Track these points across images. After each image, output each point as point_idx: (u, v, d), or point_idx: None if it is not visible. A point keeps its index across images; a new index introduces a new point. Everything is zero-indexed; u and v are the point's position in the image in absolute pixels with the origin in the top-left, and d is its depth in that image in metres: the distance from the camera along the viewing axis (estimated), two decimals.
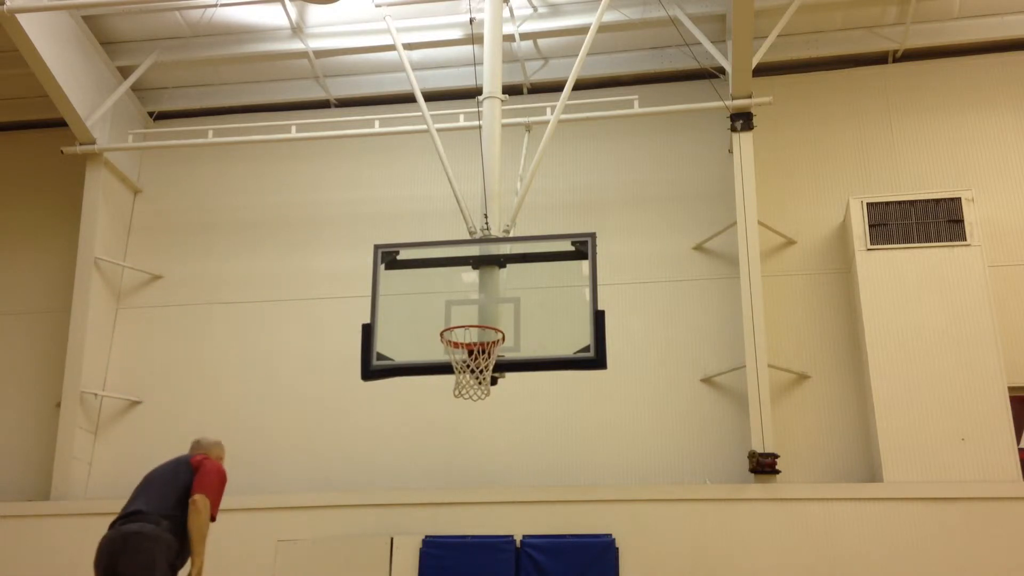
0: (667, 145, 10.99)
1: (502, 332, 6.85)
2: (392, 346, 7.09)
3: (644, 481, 9.72)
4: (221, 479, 6.25)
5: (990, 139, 10.45)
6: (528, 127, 10.21)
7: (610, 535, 9.07)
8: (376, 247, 7.45)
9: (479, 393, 6.84)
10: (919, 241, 9.46)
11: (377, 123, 10.71)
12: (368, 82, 11.70)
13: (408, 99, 10.77)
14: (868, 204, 9.69)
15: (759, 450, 9.17)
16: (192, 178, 11.88)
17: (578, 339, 6.86)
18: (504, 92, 8.23)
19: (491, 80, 8.11)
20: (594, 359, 6.82)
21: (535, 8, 10.76)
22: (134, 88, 11.79)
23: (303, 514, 9.63)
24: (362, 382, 7.23)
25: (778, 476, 9.20)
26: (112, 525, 5.95)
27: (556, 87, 9.91)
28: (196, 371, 10.99)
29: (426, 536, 9.26)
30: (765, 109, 10.22)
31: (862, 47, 10.84)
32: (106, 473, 10.61)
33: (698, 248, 10.53)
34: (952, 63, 10.81)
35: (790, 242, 10.39)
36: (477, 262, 7.35)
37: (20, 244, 11.86)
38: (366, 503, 9.62)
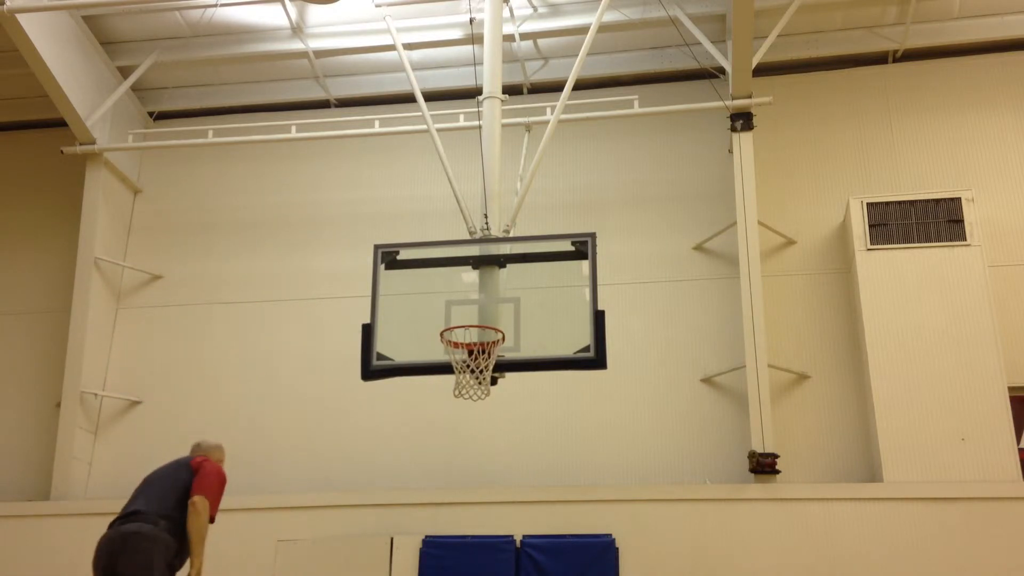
0: (667, 145, 10.99)
1: (502, 332, 6.85)
2: (392, 346, 7.09)
3: (644, 481, 9.72)
4: (221, 481, 6.26)
5: (990, 139, 10.45)
6: (528, 127, 10.21)
7: (610, 535, 9.07)
8: (376, 247, 7.45)
9: (479, 393, 6.84)
10: (919, 241, 9.46)
11: (377, 123, 10.71)
12: (368, 82, 11.70)
13: (408, 99, 10.77)
14: (868, 204, 9.69)
15: (759, 450, 9.18)
16: (192, 178, 11.88)
17: (578, 339, 6.87)
18: (504, 92, 8.23)
19: (491, 80, 8.11)
20: (594, 359, 6.82)
21: (535, 8, 10.76)
22: (134, 88, 11.79)
23: (303, 514, 9.63)
24: (362, 382, 7.23)
25: (778, 476, 9.20)
26: (111, 525, 5.96)
27: (556, 87, 9.91)
28: (196, 371, 10.99)
29: (426, 536, 9.26)
30: (765, 109, 10.22)
31: (862, 47, 10.84)
32: (106, 473, 10.61)
33: (698, 248, 10.53)
34: (952, 63, 10.81)
35: (790, 242, 10.39)
36: (477, 262, 7.35)
37: (20, 244, 11.86)
38: (366, 503, 9.62)
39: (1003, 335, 9.21)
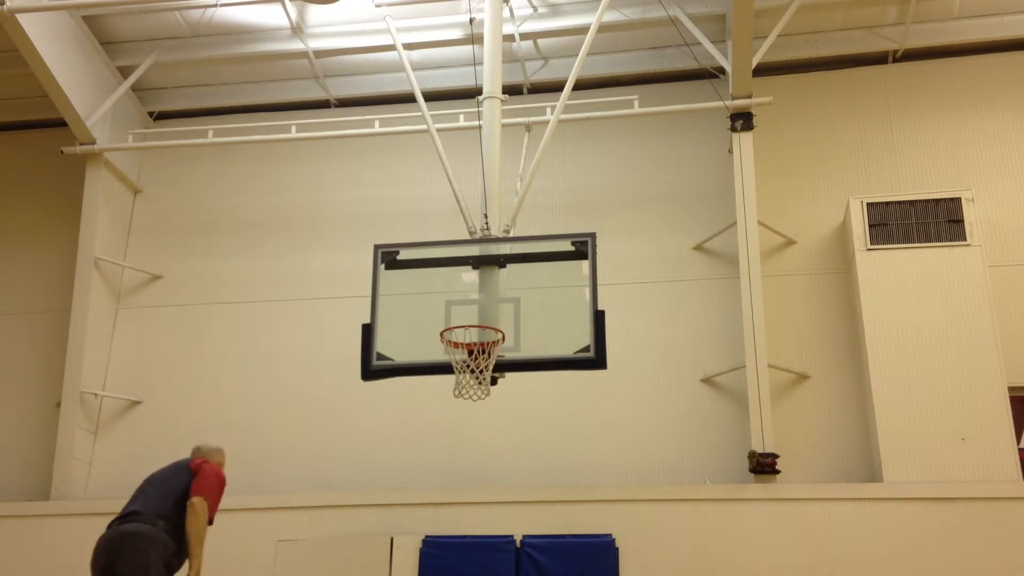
0: (667, 145, 10.99)
1: (502, 332, 6.85)
2: (392, 346, 7.09)
3: (644, 481, 9.72)
4: (220, 483, 6.27)
5: (990, 139, 10.45)
6: (528, 127, 10.21)
7: (610, 535, 9.07)
8: (376, 247, 7.45)
9: (479, 393, 6.84)
10: (919, 241, 9.46)
11: (377, 123, 10.71)
12: (368, 82, 11.70)
13: (408, 99, 10.77)
14: (868, 204, 9.69)
15: (759, 450, 9.18)
16: (192, 178, 11.88)
17: (578, 339, 6.86)
18: (504, 92, 8.23)
19: (491, 80, 8.11)
20: (594, 359, 6.82)
21: (535, 8, 10.76)
22: (134, 88, 11.79)
23: (303, 514, 9.63)
24: (362, 382, 7.23)
25: (778, 476, 9.20)
26: (109, 526, 5.97)
27: (556, 87, 9.91)
28: (196, 371, 10.99)
29: (426, 536, 9.26)
30: (765, 109, 10.22)
31: (862, 47, 10.84)
32: (106, 473, 10.61)
33: (698, 248, 10.53)
34: (952, 63, 10.81)
35: (790, 242, 10.39)
36: (477, 262, 7.35)
37: (20, 244, 11.86)
38: (366, 503, 9.62)
39: (1003, 335, 9.21)
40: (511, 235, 7.79)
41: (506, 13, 10.31)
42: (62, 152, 11.04)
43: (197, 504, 5.97)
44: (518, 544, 9.12)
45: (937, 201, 9.56)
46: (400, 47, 9.98)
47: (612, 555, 8.96)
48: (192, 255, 11.52)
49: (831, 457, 9.58)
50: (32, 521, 9.98)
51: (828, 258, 10.28)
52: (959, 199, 9.49)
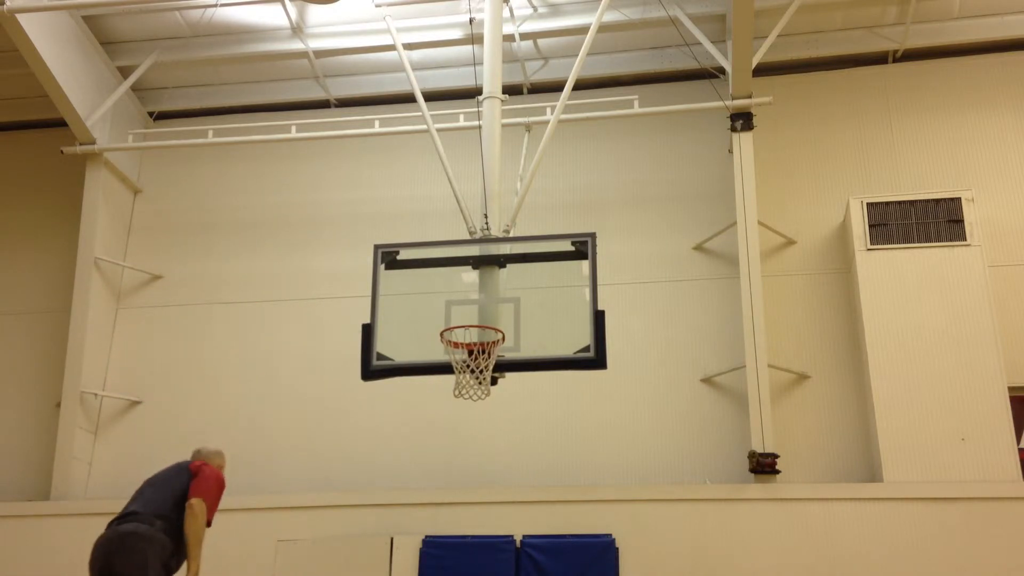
0: (667, 145, 10.99)
1: (502, 332, 6.85)
2: (392, 346, 7.09)
3: (644, 481, 9.72)
4: (219, 486, 6.27)
5: (990, 139, 10.45)
6: (528, 127, 10.21)
7: (610, 535, 9.07)
8: (376, 247, 7.45)
9: (479, 393, 6.84)
10: (919, 241, 9.46)
11: (377, 123, 10.71)
12: (368, 82, 11.70)
13: (408, 99, 10.77)
14: (868, 204, 9.69)
15: (759, 450, 9.17)
16: (192, 178, 11.88)
17: (578, 339, 6.86)
18: (504, 92, 8.22)
19: (491, 80, 8.11)
20: (594, 359, 6.82)
21: (535, 8, 10.76)
22: (134, 88, 11.79)
23: (303, 514, 9.63)
24: (362, 382, 7.23)
25: (778, 476, 9.20)
26: (108, 526, 5.97)
27: (556, 87, 9.91)
28: (196, 371, 10.99)
29: (426, 536, 9.26)
30: (765, 109, 10.22)
31: (862, 47, 10.84)
32: (106, 473, 10.61)
33: (698, 248, 10.53)
34: (952, 63, 10.81)
35: (790, 242, 10.39)
36: (477, 262, 7.35)
37: (20, 244, 11.86)
38: (366, 503, 9.62)
39: (1003, 335, 9.21)
40: (511, 235, 7.79)
41: (506, 13, 10.31)
42: (62, 152, 11.04)
43: (196, 505, 5.97)
44: (518, 544, 9.12)
45: (937, 201, 9.56)
46: (400, 47, 9.98)
47: (612, 555, 8.97)
48: (192, 255, 11.52)
49: (831, 457, 9.58)
50: (32, 521, 9.98)
51: (828, 258, 10.28)
52: (959, 199, 9.49)
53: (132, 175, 11.77)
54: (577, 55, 8.89)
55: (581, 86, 10.24)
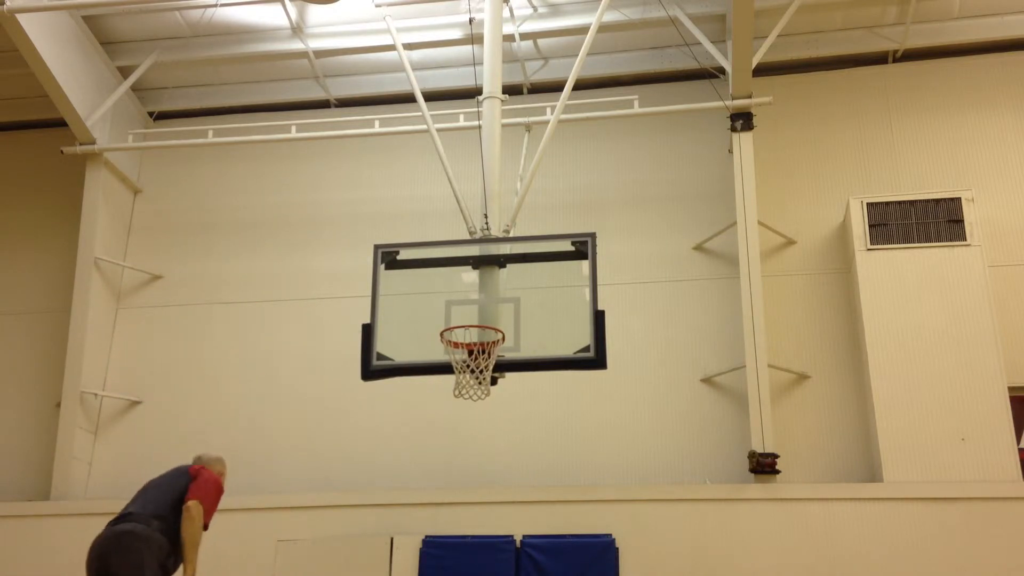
0: (667, 145, 10.99)
1: (502, 332, 6.85)
2: (392, 346, 7.09)
3: (644, 481, 9.72)
4: (217, 490, 6.28)
5: (990, 139, 10.45)
6: (528, 127, 10.21)
7: (610, 535, 9.07)
8: (376, 247, 7.45)
9: (479, 393, 6.84)
10: (919, 241, 9.46)
11: (377, 123, 10.71)
12: (368, 82, 11.70)
13: (408, 99, 10.77)
14: (868, 204, 9.69)
15: (759, 450, 9.17)
16: (192, 178, 11.88)
17: (578, 339, 6.86)
18: (504, 92, 8.22)
19: (491, 80, 8.11)
20: (594, 359, 6.82)
21: (535, 8, 10.76)
22: (134, 88, 11.79)
23: (303, 514, 9.63)
24: (362, 382, 7.23)
25: (778, 476, 9.20)
26: (106, 526, 5.97)
27: (556, 87, 9.91)
28: (196, 371, 10.99)
29: (426, 536, 9.26)
30: (765, 109, 10.22)
31: (862, 47, 10.84)
32: (106, 473, 10.61)
33: (698, 248, 10.53)
34: (952, 63, 10.81)
35: (790, 242, 10.39)
36: (477, 262, 7.35)
37: (20, 244, 11.86)
38: (366, 503, 9.62)
39: (1003, 335, 9.21)
40: (511, 235, 7.79)
41: (506, 13, 10.31)
42: (62, 152, 11.04)
43: (193, 508, 5.97)
44: (518, 544, 9.12)
45: (937, 201, 9.56)
46: (400, 47, 9.98)
47: (612, 555, 8.96)
48: (192, 255, 11.52)
49: (831, 457, 9.58)
50: (32, 521, 9.98)
51: (828, 258, 10.28)
52: (959, 199, 9.49)
53: (132, 175, 11.77)
54: (577, 55, 8.89)
55: (581, 86, 10.24)
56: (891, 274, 9.43)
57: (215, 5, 10.63)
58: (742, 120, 10.05)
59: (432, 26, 10.98)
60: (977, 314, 9.11)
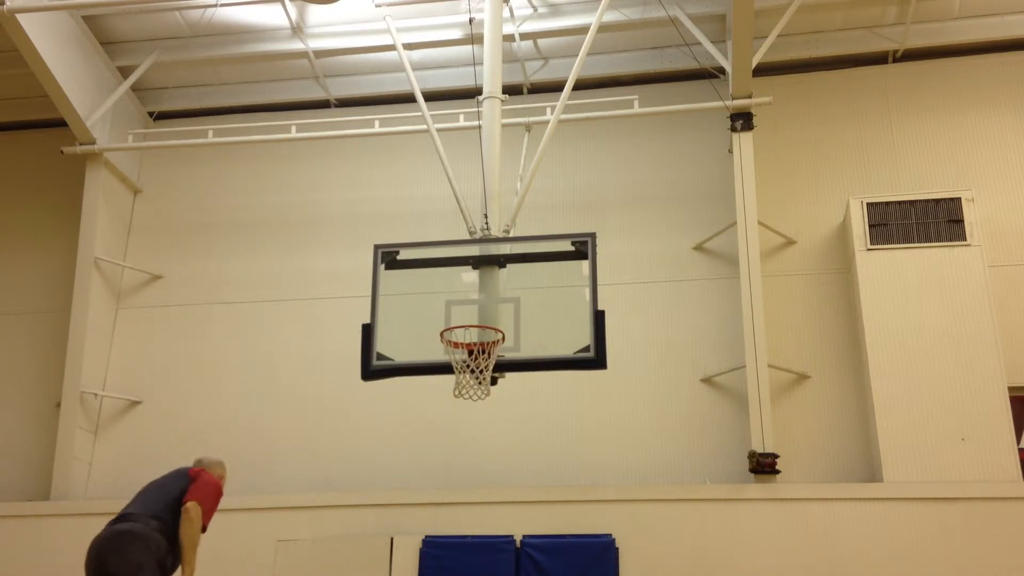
0: (667, 145, 10.99)
1: (502, 332, 6.85)
2: (392, 346, 7.09)
3: (644, 481, 9.71)
4: (216, 492, 6.29)
5: (990, 139, 10.45)
6: (528, 127, 10.21)
7: (610, 535, 9.07)
8: (376, 247, 7.45)
9: (479, 393, 6.84)
10: (919, 241, 9.46)
11: (377, 123, 10.71)
12: (368, 82, 11.70)
13: (408, 99, 10.76)
14: (868, 204, 9.69)
15: (759, 450, 9.17)
16: (192, 178, 11.88)
17: (578, 339, 6.86)
18: (504, 92, 8.22)
19: (491, 80, 8.11)
20: (594, 359, 6.82)
21: (535, 8, 10.76)
22: (134, 88, 11.79)
23: (303, 514, 9.63)
24: (362, 382, 7.23)
25: (778, 476, 9.20)
26: (106, 526, 5.98)
27: (556, 87, 9.90)
28: (196, 371, 10.99)
29: (426, 536, 9.26)
30: (765, 109, 10.22)
31: (862, 47, 10.84)
32: (106, 473, 10.61)
33: (698, 248, 10.53)
34: (952, 63, 10.81)
35: (790, 242, 10.39)
36: (477, 262, 7.35)
37: (20, 244, 11.86)
38: (366, 503, 9.62)
39: (1003, 335, 9.21)
40: (511, 235, 7.79)
41: (506, 13, 10.31)
42: (62, 152, 11.04)
43: (191, 509, 5.98)
44: (518, 544, 9.12)
45: (937, 201, 9.56)
46: (400, 47, 9.98)
47: (612, 555, 8.96)
48: (192, 255, 11.52)
49: (831, 457, 9.58)
50: (32, 521, 9.98)
51: (828, 258, 10.28)
52: (959, 199, 9.50)
53: (132, 175, 11.77)
54: (577, 55, 8.89)
55: (581, 86, 10.23)
56: (891, 274, 9.43)
57: (215, 5, 10.63)
58: (742, 120, 10.05)
59: (432, 26, 10.98)
60: (977, 314, 9.11)
